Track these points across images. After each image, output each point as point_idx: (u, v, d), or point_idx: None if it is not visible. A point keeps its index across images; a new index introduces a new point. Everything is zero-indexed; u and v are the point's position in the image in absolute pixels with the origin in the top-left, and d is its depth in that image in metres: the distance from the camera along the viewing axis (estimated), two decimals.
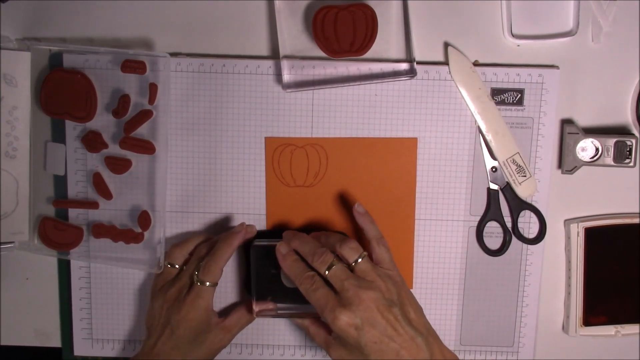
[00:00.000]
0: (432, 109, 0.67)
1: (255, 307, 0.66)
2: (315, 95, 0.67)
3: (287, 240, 0.64)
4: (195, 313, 0.64)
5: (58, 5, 0.67)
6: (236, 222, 0.69)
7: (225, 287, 0.71)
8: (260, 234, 0.69)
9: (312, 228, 0.69)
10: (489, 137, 0.67)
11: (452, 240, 0.69)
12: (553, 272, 0.71)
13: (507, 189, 0.68)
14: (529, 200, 0.68)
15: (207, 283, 0.64)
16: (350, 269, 0.60)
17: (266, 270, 0.65)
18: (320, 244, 0.62)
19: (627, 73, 0.67)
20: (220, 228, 0.70)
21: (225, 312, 0.69)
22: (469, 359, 0.71)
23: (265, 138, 0.68)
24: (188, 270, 0.66)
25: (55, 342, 0.73)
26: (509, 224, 0.69)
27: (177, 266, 0.67)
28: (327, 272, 0.60)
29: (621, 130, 0.68)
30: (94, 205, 0.69)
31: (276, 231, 0.69)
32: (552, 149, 0.68)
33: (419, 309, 0.62)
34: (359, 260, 0.61)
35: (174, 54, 0.67)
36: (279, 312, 0.66)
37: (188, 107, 0.68)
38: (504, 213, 0.69)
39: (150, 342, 0.65)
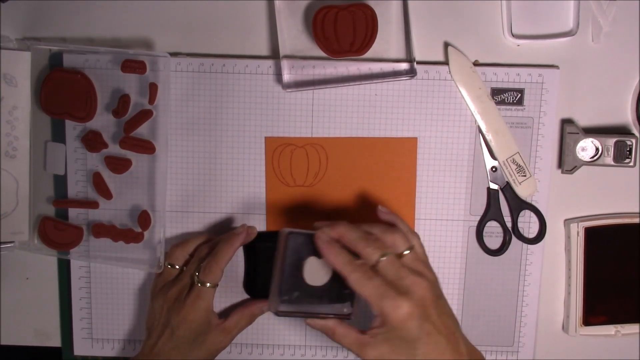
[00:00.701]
0: (432, 109, 0.67)
1: (280, 306, 0.60)
2: (315, 95, 0.67)
3: (327, 229, 0.59)
4: (195, 314, 0.64)
5: (58, 5, 0.67)
6: (236, 222, 0.69)
7: (225, 288, 0.70)
8: (261, 235, 0.69)
9: (312, 228, 0.68)
10: (489, 137, 0.67)
11: (452, 240, 0.69)
12: (553, 272, 0.71)
13: (507, 189, 0.68)
14: (529, 200, 0.68)
15: (208, 284, 0.64)
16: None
17: (293, 264, 0.61)
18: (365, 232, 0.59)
19: (627, 73, 0.67)
20: (221, 228, 0.70)
21: (226, 313, 0.69)
22: None
23: (265, 138, 0.68)
24: (189, 271, 0.66)
25: (55, 342, 0.73)
26: (509, 224, 0.69)
27: (177, 267, 0.67)
28: (381, 259, 0.56)
29: (621, 130, 0.68)
30: (94, 205, 0.69)
31: (276, 233, 0.69)
32: (552, 149, 0.68)
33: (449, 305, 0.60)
34: (408, 251, 0.58)
35: (174, 54, 0.67)
36: (300, 312, 0.61)
37: (188, 107, 0.68)
38: (504, 213, 0.69)
39: (150, 342, 0.65)
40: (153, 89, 0.65)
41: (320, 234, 0.59)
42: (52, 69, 0.66)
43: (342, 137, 0.68)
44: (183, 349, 0.64)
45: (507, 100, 0.67)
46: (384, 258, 0.57)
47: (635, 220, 0.69)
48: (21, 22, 0.67)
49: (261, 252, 0.68)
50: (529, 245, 0.69)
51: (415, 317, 0.55)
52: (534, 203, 0.68)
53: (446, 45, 0.67)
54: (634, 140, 0.66)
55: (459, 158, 0.68)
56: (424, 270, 0.58)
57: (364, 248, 0.57)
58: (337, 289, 0.61)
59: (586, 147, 0.67)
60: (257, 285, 0.70)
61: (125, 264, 0.69)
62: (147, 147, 0.66)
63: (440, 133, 0.68)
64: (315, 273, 0.61)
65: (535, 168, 0.68)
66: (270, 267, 0.68)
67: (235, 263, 0.70)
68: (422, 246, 0.61)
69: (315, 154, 0.68)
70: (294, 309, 0.61)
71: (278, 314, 0.60)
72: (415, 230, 0.69)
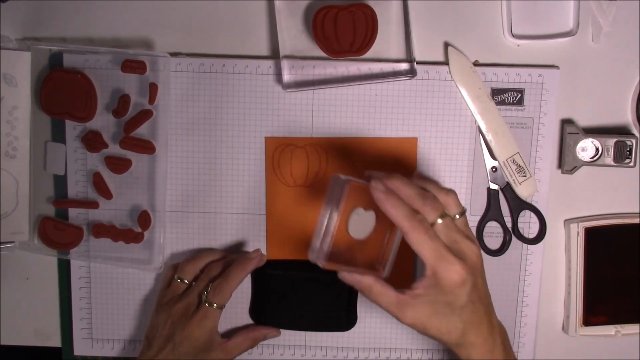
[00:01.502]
0: (432, 109, 0.67)
1: (324, 262, 0.55)
2: (315, 95, 0.67)
3: (383, 180, 0.55)
4: (200, 332, 0.64)
5: (58, 5, 0.67)
6: (237, 221, 0.69)
7: (230, 310, 0.70)
8: (270, 263, 0.69)
9: (312, 228, 0.68)
10: (489, 137, 0.67)
11: None
12: (553, 272, 0.71)
13: (507, 189, 0.68)
14: (529, 200, 0.68)
15: (215, 304, 0.64)
16: None
17: (343, 213, 0.56)
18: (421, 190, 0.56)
19: (627, 73, 0.67)
20: (220, 228, 0.69)
21: (229, 334, 0.69)
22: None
23: (265, 138, 0.68)
24: (197, 288, 0.66)
25: (55, 342, 0.73)
26: (509, 224, 0.69)
27: (186, 281, 0.67)
28: (439, 221, 0.54)
29: (621, 130, 0.68)
30: (94, 205, 0.69)
31: (284, 261, 0.69)
32: (552, 149, 0.68)
33: None
34: (458, 216, 0.57)
35: (174, 54, 0.67)
36: (341, 263, 0.57)
37: (188, 107, 0.68)
38: (504, 213, 0.69)
39: (150, 354, 0.65)
40: (153, 89, 0.65)
41: (375, 184, 0.54)
42: (52, 69, 0.66)
43: (342, 137, 0.68)
44: None
45: (507, 100, 0.67)
46: (441, 220, 0.54)
47: (635, 220, 0.69)
48: (21, 22, 0.67)
49: (269, 279, 0.68)
50: (529, 246, 0.69)
51: (467, 283, 0.54)
52: (534, 203, 0.68)
53: (446, 45, 0.67)
54: (634, 141, 0.66)
55: (459, 158, 0.68)
56: (472, 235, 0.57)
57: (423, 206, 0.54)
58: (378, 245, 0.58)
59: (586, 147, 0.67)
60: (262, 312, 0.70)
61: (125, 264, 0.69)
62: (147, 147, 0.66)
63: (440, 133, 0.68)
64: (359, 225, 0.57)
65: (535, 168, 0.68)
66: (277, 295, 0.68)
67: (244, 287, 0.70)
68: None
69: (315, 154, 0.68)
70: (337, 262, 0.57)
71: (324, 266, 0.56)
72: None
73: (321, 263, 0.55)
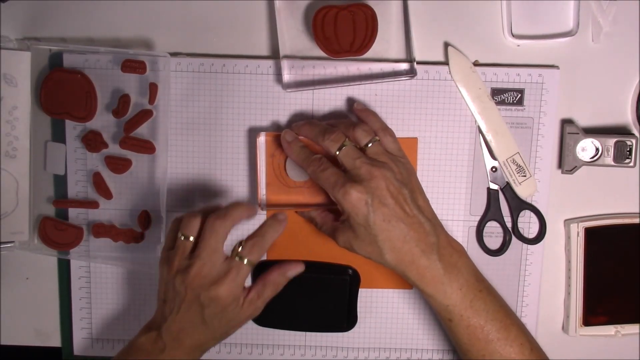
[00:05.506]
0: (432, 109, 0.67)
1: (263, 201, 0.65)
2: (315, 95, 0.67)
3: (292, 129, 0.64)
4: (228, 292, 0.59)
5: (58, 5, 0.67)
6: None
7: None
8: (269, 264, 0.66)
9: (312, 227, 0.68)
10: (489, 137, 0.67)
11: None
12: (553, 272, 0.71)
13: (507, 189, 0.68)
14: (529, 200, 0.68)
15: (247, 261, 0.59)
16: (362, 151, 0.60)
17: (275, 163, 0.66)
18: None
19: (627, 73, 0.67)
20: None
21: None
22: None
23: (266, 137, 0.68)
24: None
25: (55, 342, 0.73)
26: (509, 224, 0.69)
27: (191, 239, 0.60)
28: (337, 153, 0.59)
29: (621, 130, 0.68)
30: (94, 205, 0.69)
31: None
32: (552, 149, 0.68)
33: (427, 200, 0.62)
34: (371, 144, 0.60)
35: (174, 54, 0.67)
36: (288, 204, 0.65)
37: (188, 106, 0.68)
38: (504, 213, 0.69)
39: (176, 317, 0.59)
40: (153, 89, 0.66)
41: (284, 134, 0.63)
42: (52, 69, 0.66)
43: None
44: (210, 323, 0.59)
45: (507, 100, 0.67)
46: (342, 150, 0.59)
47: (635, 220, 0.69)
48: (21, 22, 0.67)
49: None
50: (529, 246, 0.69)
51: (365, 203, 0.57)
52: (534, 203, 0.68)
53: (446, 45, 0.67)
54: (634, 141, 0.66)
55: (459, 158, 0.68)
56: (387, 161, 0.60)
57: (323, 141, 0.60)
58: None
59: (586, 147, 0.67)
60: (262, 312, 0.69)
61: (125, 264, 0.70)
62: (147, 147, 0.66)
63: (440, 133, 0.68)
64: (297, 169, 0.65)
65: (535, 168, 0.68)
66: (277, 295, 0.67)
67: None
68: (394, 142, 0.63)
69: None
70: (279, 205, 0.66)
71: (266, 207, 0.66)
72: None
73: (263, 209, 0.64)
